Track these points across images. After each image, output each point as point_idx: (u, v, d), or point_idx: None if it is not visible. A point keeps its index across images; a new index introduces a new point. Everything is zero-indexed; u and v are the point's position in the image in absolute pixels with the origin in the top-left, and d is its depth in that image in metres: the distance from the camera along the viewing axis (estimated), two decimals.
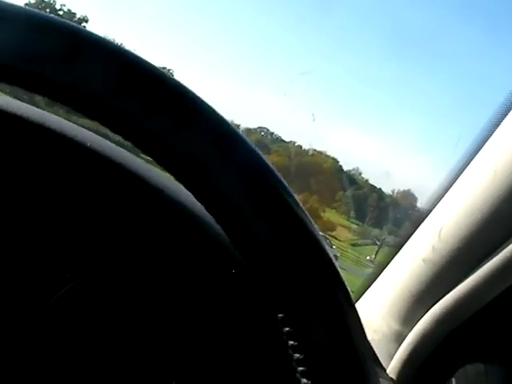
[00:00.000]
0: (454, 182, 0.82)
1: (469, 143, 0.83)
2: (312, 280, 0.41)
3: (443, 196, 0.83)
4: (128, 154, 0.71)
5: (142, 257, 0.69)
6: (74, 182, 0.68)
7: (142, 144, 0.40)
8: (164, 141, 0.40)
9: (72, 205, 0.69)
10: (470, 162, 0.80)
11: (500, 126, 0.77)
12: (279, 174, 0.43)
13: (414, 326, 0.84)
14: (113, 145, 0.71)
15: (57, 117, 0.69)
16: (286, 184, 0.43)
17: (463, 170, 0.80)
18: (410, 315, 0.84)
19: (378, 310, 0.90)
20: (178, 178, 0.41)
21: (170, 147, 0.40)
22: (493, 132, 0.78)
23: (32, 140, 0.67)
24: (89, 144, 0.67)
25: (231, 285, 0.67)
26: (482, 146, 0.79)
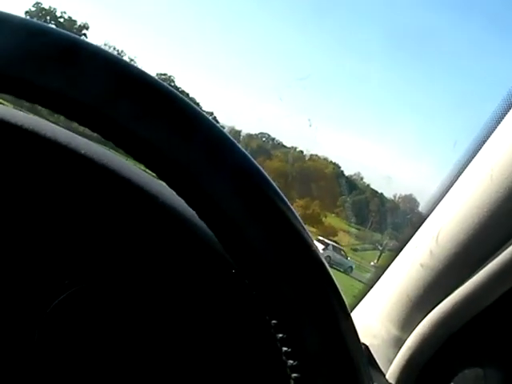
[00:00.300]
0: (451, 187, 0.82)
1: (466, 147, 0.83)
2: (305, 286, 0.41)
3: (441, 201, 0.83)
4: (123, 160, 0.71)
5: (138, 263, 0.69)
6: (69, 190, 0.68)
7: (133, 151, 0.40)
8: (155, 148, 0.40)
9: (67, 212, 0.69)
10: (466, 167, 0.80)
11: (496, 130, 0.77)
12: (272, 181, 0.43)
13: (413, 330, 0.83)
14: (108, 152, 0.71)
15: (52, 124, 0.69)
16: (279, 190, 0.43)
17: (460, 174, 0.80)
18: (409, 320, 0.84)
19: (377, 315, 0.90)
20: (170, 185, 0.41)
21: (161, 155, 0.40)
22: (489, 136, 0.78)
23: (26, 147, 0.67)
24: (83, 151, 0.67)
25: (225, 291, 0.67)
26: (479, 150, 0.79)
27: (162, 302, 0.69)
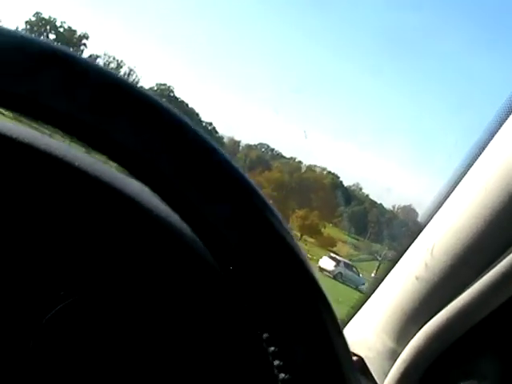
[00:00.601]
0: (446, 199, 0.82)
1: (462, 158, 0.83)
2: (296, 300, 0.41)
3: (435, 213, 0.83)
4: (118, 173, 0.71)
5: (133, 275, 0.69)
6: (64, 202, 0.68)
7: (129, 168, 0.41)
8: (144, 161, 0.40)
9: (62, 224, 0.69)
10: (461, 179, 0.80)
11: (491, 142, 0.77)
12: (263, 194, 0.43)
13: (408, 343, 0.83)
14: (102, 164, 0.71)
15: (46, 137, 0.70)
16: (270, 204, 0.43)
17: (455, 186, 0.81)
18: (404, 332, 0.84)
19: (373, 327, 0.90)
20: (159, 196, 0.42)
21: (152, 167, 0.40)
22: (484, 148, 0.78)
23: (20, 160, 0.67)
24: (77, 164, 0.67)
25: (218, 304, 0.67)
26: (474, 162, 0.79)
27: (157, 314, 0.69)
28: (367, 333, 0.90)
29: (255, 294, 0.41)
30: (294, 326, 0.41)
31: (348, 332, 0.94)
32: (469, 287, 0.77)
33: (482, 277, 0.76)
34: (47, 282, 0.70)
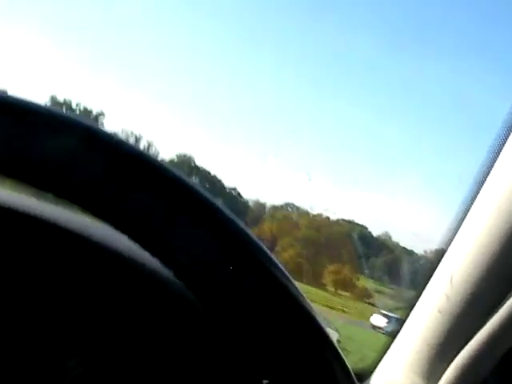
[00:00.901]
0: (460, 227, 0.79)
1: (470, 185, 0.81)
2: (298, 347, 0.40)
3: (451, 242, 0.81)
4: (108, 230, 0.70)
5: (132, 333, 0.68)
6: (55, 265, 0.67)
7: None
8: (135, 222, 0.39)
9: (57, 285, 0.68)
10: (473, 204, 0.78)
11: (496, 165, 0.75)
12: (259, 240, 0.42)
13: (439, 380, 0.80)
14: (91, 222, 0.70)
15: (33, 199, 0.69)
16: (267, 249, 0.42)
17: (467, 212, 0.78)
18: (434, 369, 0.80)
19: (401, 367, 0.86)
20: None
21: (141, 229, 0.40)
22: (490, 171, 0.76)
23: (6, 225, 0.67)
24: (68, 225, 0.67)
25: (215, 350, 0.65)
26: (483, 185, 0.77)
27: (154, 368, 0.67)
28: (395, 374, 0.87)
29: (254, 340, 0.40)
30: (295, 373, 0.40)
31: (376, 376, 0.91)
32: (493, 315, 0.74)
33: (505, 302, 0.73)
34: (56, 342, 0.69)
